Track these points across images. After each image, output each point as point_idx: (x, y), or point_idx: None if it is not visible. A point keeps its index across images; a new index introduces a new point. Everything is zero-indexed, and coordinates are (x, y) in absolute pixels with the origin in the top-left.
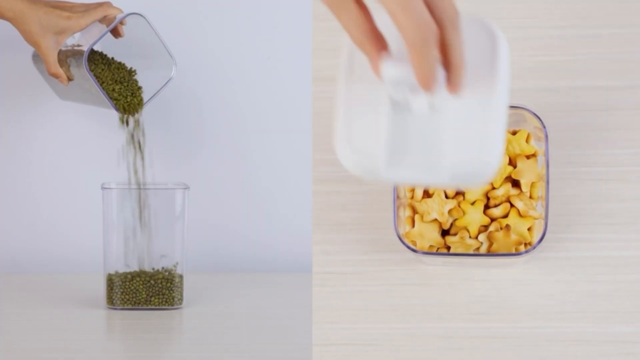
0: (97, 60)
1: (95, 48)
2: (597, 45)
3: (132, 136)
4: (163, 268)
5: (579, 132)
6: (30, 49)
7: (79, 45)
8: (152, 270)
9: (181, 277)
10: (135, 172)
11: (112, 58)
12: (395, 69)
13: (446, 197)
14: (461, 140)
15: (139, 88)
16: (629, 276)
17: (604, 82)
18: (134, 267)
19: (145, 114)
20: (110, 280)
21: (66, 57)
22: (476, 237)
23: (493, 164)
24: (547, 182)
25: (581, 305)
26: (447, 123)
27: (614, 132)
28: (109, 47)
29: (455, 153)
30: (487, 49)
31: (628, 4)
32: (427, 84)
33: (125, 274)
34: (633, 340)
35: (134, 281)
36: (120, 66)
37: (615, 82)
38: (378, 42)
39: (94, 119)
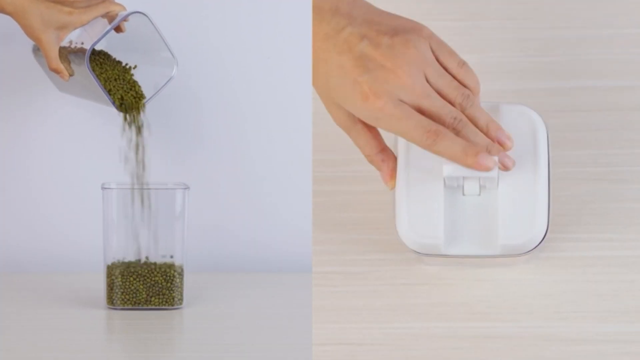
0: (98, 58)
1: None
2: (597, 45)
3: (133, 135)
4: (165, 263)
5: (579, 132)
6: (31, 42)
7: (81, 43)
8: (152, 266)
9: (181, 277)
10: (136, 171)
11: (114, 58)
12: (456, 170)
13: None
14: (511, 217)
15: (140, 88)
16: (629, 276)
17: (604, 82)
18: (134, 267)
19: (145, 114)
20: (110, 280)
21: (67, 52)
22: None
23: (540, 236)
24: (549, 183)
25: (581, 305)
26: (496, 202)
27: (614, 132)
28: (110, 41)
29: (506, 229)
30: (527, 134)
31: (628, 4)
32: (481, 166)
33: (126, 274)
34: (633, 340)
35: (134, 281)
36: (125, 69)
37: (615, 82)
38: (387, 157)
39: (94, 119)
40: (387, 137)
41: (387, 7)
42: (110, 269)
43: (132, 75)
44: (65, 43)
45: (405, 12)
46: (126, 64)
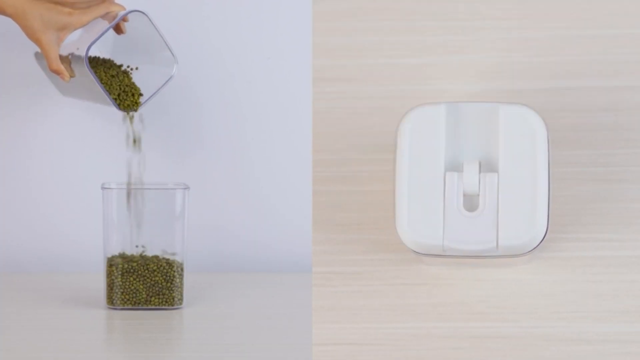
0: (102, 65)
1: (97, 45)
2: (597, 45)
3: (133, 136)
4: (165, 263)
5: (579, 132)
6: (33, 46)
7: (78, 49)
8: (152, 266)
9: (181, 277)
10: (137, 171)
11: (112, 61)
12: (458, 179)
13: None
14: (511, 217)
15: (139, 91)
16: (629, 276)
17: (604, 82)
18: (134, 267)
19: (145, 114)
20: (110, 280)
21: (68, 53)
22: None
23: (540, 236)
24: (549, 183)
25: (581, 305)
26: (496, 202)
27: (614, 132)
28: (110, 43)
29: (507, 229)
30: (527, 134)
31: (628, 4)
32: None
33: (125, 274)
34: (633, 340)
35: (134, 281)
36: (125, 72)
37: (615, 82)
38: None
39: (94, 119)
40: (387, 137)
41: (388, 7)
42: (110, 269)
43: (132, 78)
44: (66, 44)
45: (405, 12)
46: (128, 67)
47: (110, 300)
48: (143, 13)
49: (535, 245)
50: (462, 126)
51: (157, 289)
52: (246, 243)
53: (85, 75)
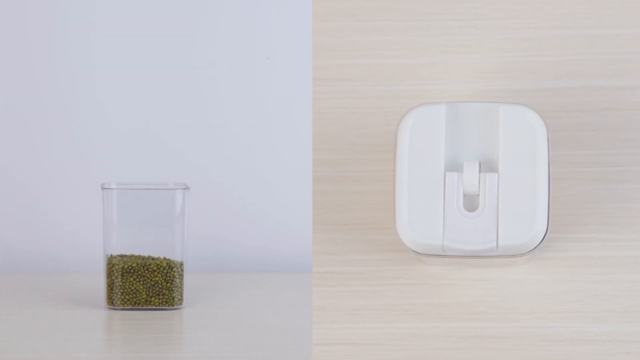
0: None
1: None
2: (597, 45)
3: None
4: (165, 264)
5: (579, 132)
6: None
7: None
8: (152, 266)
9: (181, 277)
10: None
11: None
12: (458, 179)
13: None
14: (511, 217)
15: None
16: (629, 276)
17: (604, 82)
18: (134, 267)
19: (145, 114)
20: (110, 280)
21: None
22: None
23: (540, 236)
24: (548, 182)
25: (581, 305)
26: (496, 202)
27: (614, 132)
28: None
29: (506, 229)
30: (527, 134)
31: (628, 4)
32: None
33: (125, 274)
34: (633, 340)
35: (134, 281)
36: None
37: (615, 82)
38: None
39: (95, 119)
40: (387, 137)
41: (388, 7)
42: (110, 269)
43: None
44: None
45: (405, 12)
46: None
47: (110, 301)
48: None
49: (535, 245)
50: (462, 126)
51: (157, 289)
52: (246, 243)
53: None
